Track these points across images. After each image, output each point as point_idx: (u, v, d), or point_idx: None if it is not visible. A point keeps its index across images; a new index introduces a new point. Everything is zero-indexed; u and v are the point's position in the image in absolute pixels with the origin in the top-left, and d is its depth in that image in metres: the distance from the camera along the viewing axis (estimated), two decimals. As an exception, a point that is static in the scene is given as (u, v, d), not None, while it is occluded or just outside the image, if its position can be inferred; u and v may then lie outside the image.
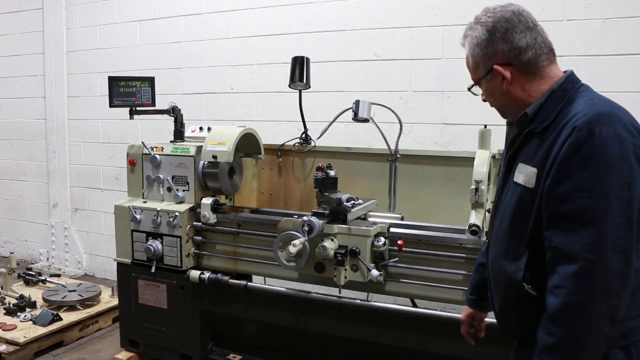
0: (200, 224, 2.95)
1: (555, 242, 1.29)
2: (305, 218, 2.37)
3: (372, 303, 2.60)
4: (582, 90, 1.45)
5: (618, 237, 1.23)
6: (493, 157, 2.76)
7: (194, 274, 2.93)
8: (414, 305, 2.66)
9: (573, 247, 1.25)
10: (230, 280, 2.87)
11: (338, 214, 2.50)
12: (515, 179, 1.46)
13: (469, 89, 1.61)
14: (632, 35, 3.21)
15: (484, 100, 1.60)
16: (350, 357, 2.83)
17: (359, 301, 2.62)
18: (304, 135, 3.16)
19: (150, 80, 3.22)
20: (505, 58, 1.43)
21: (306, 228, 2.34)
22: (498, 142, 3.31)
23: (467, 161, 2.67)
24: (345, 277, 2.44)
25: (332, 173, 2.52)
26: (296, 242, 2.34)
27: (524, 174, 1.41)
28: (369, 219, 2.69)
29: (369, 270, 2.37)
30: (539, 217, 1.36)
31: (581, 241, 1.24)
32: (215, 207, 2.92)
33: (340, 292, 2.62)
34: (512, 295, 1.46)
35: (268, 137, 3.39)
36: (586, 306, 1.23)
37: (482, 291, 1.83)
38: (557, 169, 1.30)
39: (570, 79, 1.46)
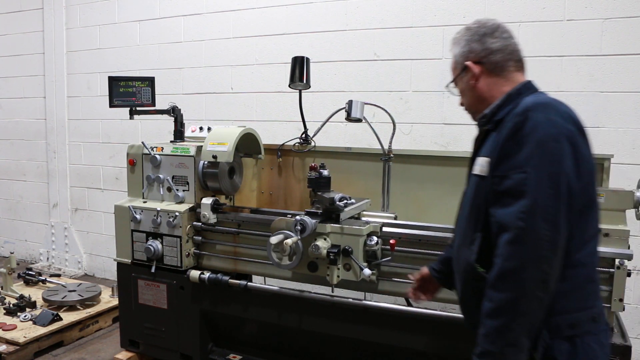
0: (200, 224, 2.95)
1: (496, 217, 1.42)
2: (298, 217, 2.38)
3: (369, 303, 2.61)
4: (536, 93, 1.60)
5: (547, 207, 1.34)
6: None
7: (194, 274, 2.93)
8: (409, 305, 2.66)
9: (508, 218, 1.37)
10: (230, 280, 2.86)
11: (331, 213, 2.50)
12: (473, 172, 1.60)
13: (447, 86, 1.76)
14: (632, 35, 3.21)
15: (461, 104, 1.75)
16: (350, 357, 2.83)
17: (361, 301, 2.62)
18: (304, 135, 3.16)
19: (150, 80, 3.22)
20: (478, 57, 1.61)
21: (299, 227, 2.36)
22: (498, 142, 3.33)
23: (467, 161, 2.67)
24: (338, 276, 2.45)
25: (325, 172, 2.53)
26: (288, 241, 2.35)
27: (480, 165, 1.55)
28: (362, 219, 2.70)
29: (362, 269, 2.38)
30: (489, 201, 1.48)
31: (514, 212, 1.36)
32: (215, 207, 2.92)
33: (333, 291, 2.64)
34: (470, 280, 1.55)
35: (268, 137, 3.39)
36: (519, 271, 1.34)
37: (443, 265, 1.95)
38: (499, 151, 1.46)
39: (528, 85, 1.62)
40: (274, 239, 2.38)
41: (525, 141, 1.39)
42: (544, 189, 1.35)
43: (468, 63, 1.62)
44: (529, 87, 1.61)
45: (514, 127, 1.43)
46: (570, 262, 1.43)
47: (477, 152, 1.63)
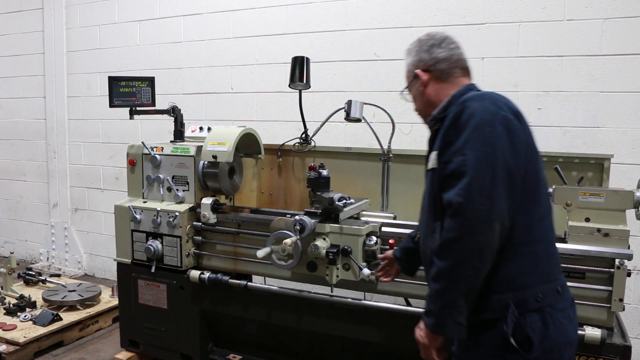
0: (200, 224, 2.95)
1: (444, 199, 1.54)
2: (297, 217, 2.38)
3: (369, 303, 2.60)
4: (479, 91, 1.71)
5: (483, 184, 1.46)
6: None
7: (194, 274, 2.93)
8: (408, 305, 2.66)
9: (451, 196, 1.50)
10: (230, 280, 2.87)
11: (330, 213, 2.51)
12: (427, 168, 1.73)
13: (401, 93, 1.94)
14: (632, 35, 3.21)
15: (415, 110, 1.89)
16: (350, 357, 2.83)
17: (361, 301, 2.62)
18: (304, 135, 3.16)
19: (150, 80, 3.22)
20: (426, 66, 1.78)
21: (298, 227, 2.36)
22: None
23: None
24: (337, 276, 2.45)
25: (324, 172, 2.53)
26: (288, 241, 2.35)
27: (432, 160, 1.68)
28: (362, 219, 2.70)
29: (361, 269, 2.38)
30: (441, 188, 1.59)
31: (456, 190, 1.49)
32: (215, 207, 2.92)
33: (332, 291, 2.64)
34: None
35: (268, 137, 3.39)
36: (457, 241, 1.47)
37: (404, 253, 2.15)
38: (441, 140, 1.61)
39: (470, 86, 1.75)
40: (260, 253, 2.41)
41: (464, 127, 1.53)
42: (480, 168, 1.47)
43: (417, 71, 1.79)
44: (471, 88, 1.74)
45: (454, 116, 1.58)
46: (528, 238, 1.56)
47: (429, 152, 1.75)
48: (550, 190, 2.35)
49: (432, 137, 1.76)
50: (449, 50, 1.78)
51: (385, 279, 2.29)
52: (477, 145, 1.49)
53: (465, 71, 1.80)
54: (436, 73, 1.77)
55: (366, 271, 2.37)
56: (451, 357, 1.68)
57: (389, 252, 2.26)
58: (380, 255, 2.35)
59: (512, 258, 1.54)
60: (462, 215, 1.46)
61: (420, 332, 1.63)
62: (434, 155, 1.66)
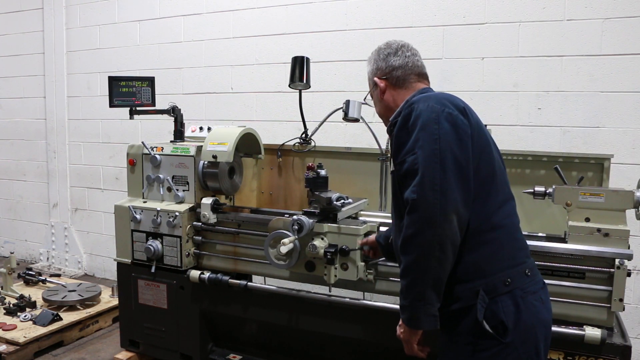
0: (200, 224, 2.95)
1: (404, 197, 1.59)
2: (295, 217, 2.38)
3: (368, 302, 2.60)
4: (429, 92, 1.80)
5: (434, 179, 1.52)
6: (493, 157, 2.76)
7: (194, 274, 2.93)
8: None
9: (407, 194, 1.56)
10: (230, 280, 2.86)
11: (328, 213, 2.51)
12: (390, 170, 1.80)
13: (364, 99, 2.06)
14: (632, 35, 3.21)
15: (377, 113, 1.99)
16: (350, 357, 2.83)
17: (360, 301, 2.62)
18: (304, 135, 3.16)
19: (150, 80, 3.22)
20: (383, 73, 1.89)
21: (296, 227, 2.36)
22: (498, 142, 3.31)
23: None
24: (336, 276, 2.45)
25: (322, 172, 2.53)
26: (285, 240, 2.35)
27: (392, 163, 1.75)
28: (360, 218, 2.70)
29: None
30: (401, 188, 1.67)
31: (410, 188, 1.55)
32: (215, 207, 2.92)
33: (330, 291, 2.64)
34: None
35: (268, 137, 3.39)
36: (416, 235, 1.53)
37: (385, 240, 2.22)
38: (394, 142, 1.70)
39: (423, 90, 1.84)
40: (282, 248, 2.39)
41: (413, 128, 1.61)
42: (430, 164, 1.53)
43: (375, 79, 1.90)
44: (424, 91, 1.82)
45: (403, 119, 1.67)
46: (488, 226, 1.62)
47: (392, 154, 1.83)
48: (550, 190, 2.36)
49: (392, 141, 1.83)
50: (405, 58, 1.87)
51: (372, 256, 2.42)
52: (425, 144, 1.56)
53: (421, 77, 1.90)
54: (392, 80, 1.87)
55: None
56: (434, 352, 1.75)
57: (372, 237, 2.35)
58: (361, 241, 2.40)
59: (476, 246, 1.61)
60: (418, 211, 1.52)
61: (400, 329, 1.70)
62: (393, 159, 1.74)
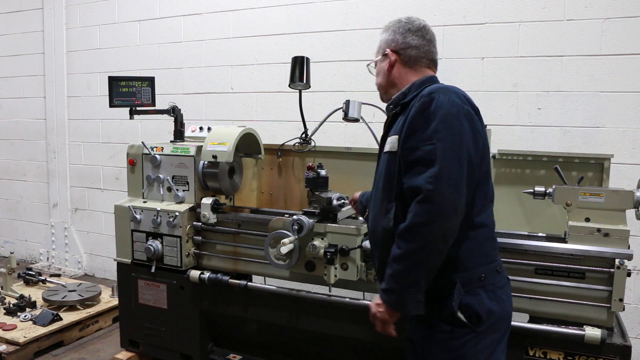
0: (200, 224, 2.95)
1: (408, 184, 1.62)
2: (295, 217, 2.38)
3: (368, 302, 2.58)
4: (439, 83, 1.80)
5: (452, 174, 1.55)
6: (493, 157, 2.76)
7: (194, 273, 2.93)
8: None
9: (419, 182, 1.58)
10: (230, 280, 2.86)
11: (328, 213, 2.51)
12: (384, 151, 1.81)
13: (368, 65, 2.04)
14: (632, 35, 3.21)
15: (376, 84, 1.98)
16: (349, 356, 2.83)
17: (360, 301, 2.62)
18: (304, 135, 3.16)
19: (150, 80, 3.22)
20: (397, 47, 1.86)
21: (296, 227, 2.37)
22: (498, 142, 3.33)
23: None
24: (335, 276, 2.46)
25: (322, 172, 2.53)
26: (285, 240, 2.35)
27: (390, 143, 1.76)
28: (360, 218, 2.69)
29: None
30: (401, 172, 1.69)
31: (425, 177, 1.57)
32: (215, 207, 2.92)
33: (330, 291, 2.64)
34: (387, 246, 1.70)
35: (268, 137, 3.39)
36: (425, 225, 1.55)
37: (364, 203, 2.33)
38: (407, 126, 1.68)
39: (432, 79, 1.84)
40: (282, 248, 2.41)
41: (432, 118, 1.61)
42: (448, 158, 1.56)
43: (388, 51, 1.87)
44: (432, 80, 1.84)
45: (421, 106, 1.65)
46: (473, 224, 1.68)
47: (386, 134, 1.86)
48: (550, 190, 2.36)
49: (389, 120, 1.86)
50: (422, 39, 1.86)
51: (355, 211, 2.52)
52: (446, 137, 1.58)
53: (432, 63, 1.89)
54: (404, 57, 1.85)
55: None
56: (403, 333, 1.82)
57: (357, 195, 2.44)
58: (351, 199, 2.52)
59: (461, 241, 1.66)
60: (432, 202, 1.54)
61: (378, 307, 1.73)
62: (394, 139, 1.74)
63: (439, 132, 1.58)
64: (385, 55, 1.88)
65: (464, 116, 1.61)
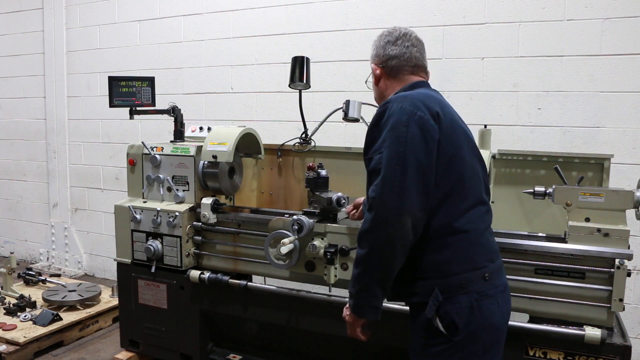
0: (200, 224, 2.95)
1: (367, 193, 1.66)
2: (295, 217, 2.38)
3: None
4: (417, 89, 1.82)
5: (394, 180, 1.56)
6: (493, 157, 2.76)
7: (194, 274, 2.93)
8: (406, 304, 2.65)
9: (369, 192, 1.63)
10: (230, 280, 2.86)
11: (328, 213, 2.52)
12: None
13: (366, 82, 2.09)
14: (632, 35, 3.21)
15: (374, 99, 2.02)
16: (349, 356, 2.83)
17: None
18: (304, 135, 3.16)
19: (150, 80, 3.22)
20: (380, 61, 1.92)
21: (296, 227, 2.37)
22: (498, 142, 3.33)
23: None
24: (336, 276, 2.46)
25: (323, 172, 2.54)
26: (285, 240, 2.35)
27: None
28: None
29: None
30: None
31: (372, 186, 1.61)
32: (215, 207, 2.92)
33: (330, 291, 2.64)
34: None
35: (268, 137, 3.39)
36: (370, 232, 1.60)
37: None
38: (366, 138, 1.73)
39: (416, 84, 1.85)
40: (282, 248, 2.40)
41: (383, 127, 1.64)
42: (392, 165, 1.58)
43: (372, 66, 1.95)
44: (416, 85, 1.85)
45: (377, 116, 1.70)
46: (452, 230, 1.66)
47: None
48: (550, 190, 2.36)
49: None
50: (402, 48, 1.88)
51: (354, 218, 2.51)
52: (392, 144, 1.60)
53: (416, 69, 1.90)
54: (387, 69, 1.90)
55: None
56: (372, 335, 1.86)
57: (360, 199, 2.45)
58: (351, 205, 2.51)
59: (437, 248, 1.66)
60: (374, 209, 1.58)
61: (346, 311, 1.80)
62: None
63: (387, 140, 1.61)
64: (372, 70, 1.95)
65: (414, 123, 1.61)
